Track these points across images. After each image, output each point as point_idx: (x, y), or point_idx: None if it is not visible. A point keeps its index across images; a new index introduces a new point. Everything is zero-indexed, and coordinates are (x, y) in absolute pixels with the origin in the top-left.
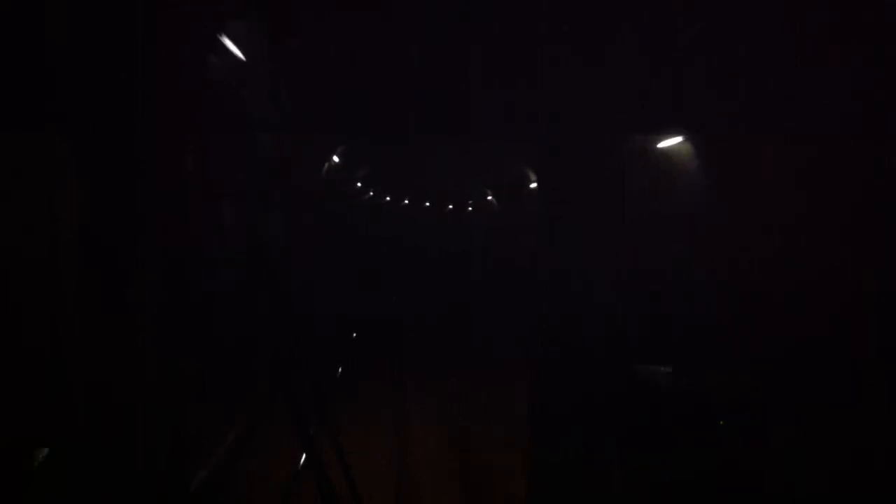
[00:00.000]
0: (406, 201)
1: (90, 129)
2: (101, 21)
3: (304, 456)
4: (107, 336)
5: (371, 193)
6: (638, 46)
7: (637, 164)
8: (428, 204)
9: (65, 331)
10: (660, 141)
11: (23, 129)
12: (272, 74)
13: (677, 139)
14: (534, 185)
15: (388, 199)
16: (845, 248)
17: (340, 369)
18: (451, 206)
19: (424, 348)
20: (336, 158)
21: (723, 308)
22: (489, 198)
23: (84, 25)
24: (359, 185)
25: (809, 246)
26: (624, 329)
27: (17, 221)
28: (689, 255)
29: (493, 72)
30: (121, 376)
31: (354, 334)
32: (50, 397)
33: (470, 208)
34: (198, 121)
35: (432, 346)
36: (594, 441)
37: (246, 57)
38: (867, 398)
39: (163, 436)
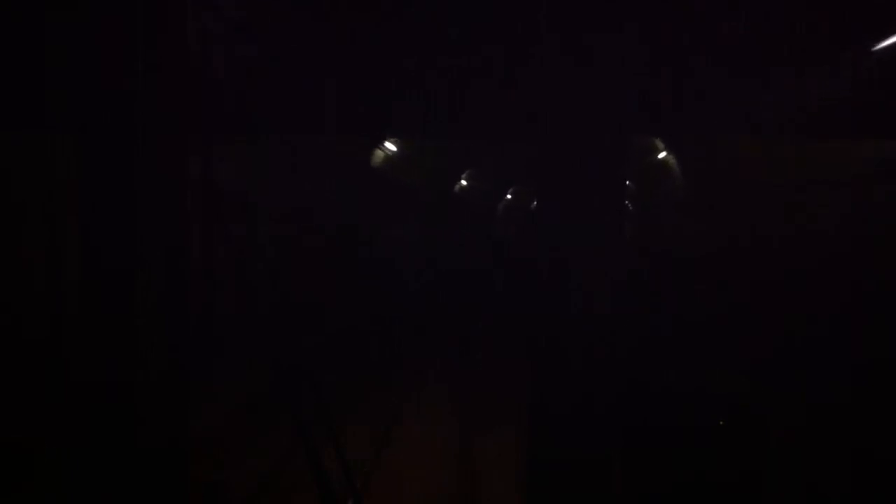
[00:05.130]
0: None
1: (91, 130)
2: (102, 21)
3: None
4: (107, 336)
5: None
6: (638, 46)
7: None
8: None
9: (65, 331)
10: (663, 139)
11: (24, 129)
12: (275, 74)
13: None
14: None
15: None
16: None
17: None
18: None
19: None
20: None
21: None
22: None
23: (85, 26)
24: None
25: (810, 247)
26: (624, 329)
27: (18, 221)
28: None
29: (493, 71)
30: (121, 376)
31: None
32: (50, 397)
33: None
34: (199, 121)
35: None
36: (594, 441)
37: (248, 57)
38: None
39: (163, 435)
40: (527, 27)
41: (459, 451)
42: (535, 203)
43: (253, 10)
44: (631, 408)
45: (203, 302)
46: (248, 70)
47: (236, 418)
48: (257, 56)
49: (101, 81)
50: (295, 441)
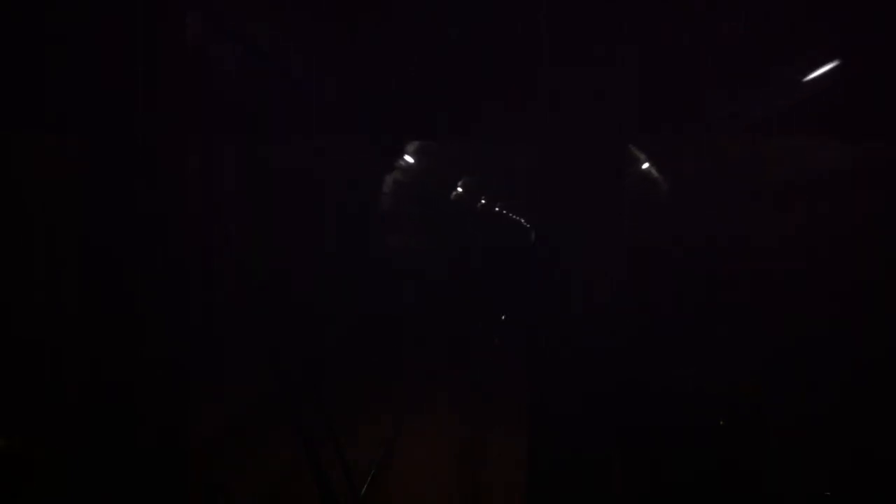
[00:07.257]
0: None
1: (91, 129)
2: (102, 21)
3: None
4: (107, 336)
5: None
6: (639, 46)
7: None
8: None
9: (65, 331)
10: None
11: (24, 129)
12: (275, 74)
13: None
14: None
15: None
16: (847, 248)
17: None
18: None
19: None
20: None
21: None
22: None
23: (85, 25)
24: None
25: (810, 247)
26: (624, 329)
27: (18, 220)
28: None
29: (493, 72)
30: (121, 376)
31: None
32: (50, 397)
33: None
34: (199, 121)
35: None
36: (594, 441)
37: (249, 57)
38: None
39: (163, 436)
40: (526, 28)
41: (459, 448)
42: (532, 204)
43: (253, 11)
44: (631, 408)
45: (203, 302)
46: (248, 70)
47: (236, 419)
48: (257, 56)
49: (101, 81)
50: (295, 441)
